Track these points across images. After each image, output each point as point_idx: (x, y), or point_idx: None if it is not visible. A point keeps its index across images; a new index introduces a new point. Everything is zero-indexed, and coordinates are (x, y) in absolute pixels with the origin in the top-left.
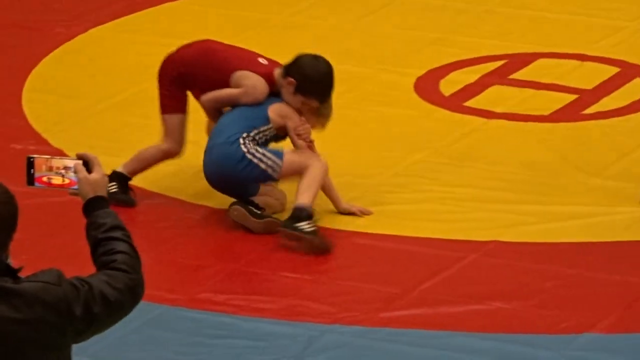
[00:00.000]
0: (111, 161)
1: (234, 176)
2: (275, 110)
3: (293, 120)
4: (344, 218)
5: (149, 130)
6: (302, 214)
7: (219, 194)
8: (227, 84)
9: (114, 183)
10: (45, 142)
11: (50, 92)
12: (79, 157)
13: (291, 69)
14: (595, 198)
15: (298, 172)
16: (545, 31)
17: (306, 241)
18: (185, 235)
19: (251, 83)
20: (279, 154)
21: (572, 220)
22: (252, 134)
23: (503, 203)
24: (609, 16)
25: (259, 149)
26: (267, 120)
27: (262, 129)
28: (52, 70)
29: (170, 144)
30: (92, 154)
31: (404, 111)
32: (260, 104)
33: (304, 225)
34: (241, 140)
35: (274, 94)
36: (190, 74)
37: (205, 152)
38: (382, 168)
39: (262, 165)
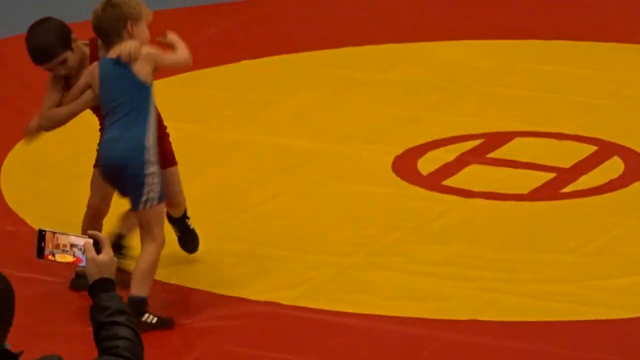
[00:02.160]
0: None
1: (123, 176)
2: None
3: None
4: (320, 296)
5: (126, 206)
6: (142, 308)
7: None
8: None
9: None
10: (22, 222)
11: (28, 171)
12: (90, 235)
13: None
14: (573, 276)
15: (144, 226)
16: (523, 110)
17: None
18: None
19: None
20: (161, 197)
21: (550, 298)
22: (153, 121)
23: (481, 281)
24: (586, 94)
25: (157, 173)
26: (146, 85)
27: (152, 99)
28: (30, 149)
29: (90, 199)
30: (103, 234)
31: (382, 189)
32: (121, 76)
33: (148, 318)
34: (148, 141)
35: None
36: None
37: (110, 141)
38: (359, 246)
39: (144, 189)
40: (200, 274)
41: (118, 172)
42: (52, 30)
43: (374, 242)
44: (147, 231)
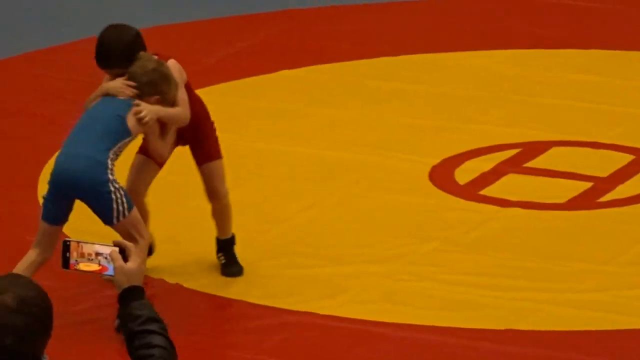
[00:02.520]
0: None
1: (85, 194)
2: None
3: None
4: (356, 306)
5: (160, 219)
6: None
7: None
8: None
9: None
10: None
11: None
12: (116, 244)
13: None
14: (610, 285)
15: (126, 236)
16: (560, 119)
17: None
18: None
19: None
20: (130, 205)
21: (587, 308)
22: (116, 153)
23: (518, 291)
24: (622, 104)
25: (120, 186)
26: (128, 132)
27: (123, 143)
28: None
29: None
30: (130, 242)
31: (419, 199)
32: (116, 111)
33: None
34: (109, 164)
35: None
36: None
37: (66, 155)
38: (396, 256)
39: (114, 205)
40: (236, 283)
41: (77, 188)
42: (122, 42)
43: (410, 252)
44: (132, 238)
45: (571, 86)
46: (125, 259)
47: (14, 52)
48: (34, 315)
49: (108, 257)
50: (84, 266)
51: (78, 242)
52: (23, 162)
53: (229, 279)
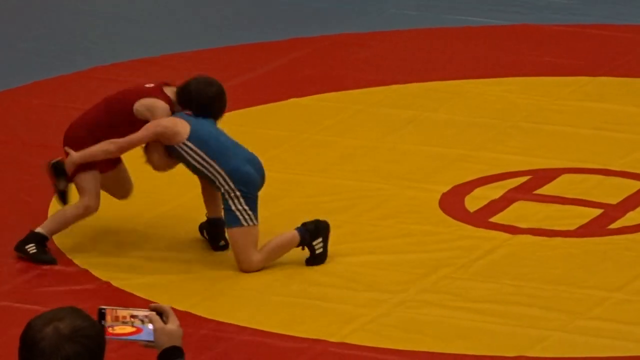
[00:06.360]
0: (135, 284)
1: None
2: None
3: None
4: (368, 334)
5: (179, 247)
6: None
7: None
8: (132, 123)
9: (32, 244)
10: (69, 262)
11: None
12: (153, 308)
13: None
14: (621, 313)
15: None
16: (570, 146)
17: None
18: None
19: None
20: None
21: (598, 335)
22: None
23: (528, 318)
24: (633, 131)
25: None
26: None
27: None
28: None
29: (88, 200)
30: (166, 305)
31: (429, 227)
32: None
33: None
34: None
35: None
36: (99, 130)
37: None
38: (408, 284)
39: None
40: (249, 311)
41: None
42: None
43: (422, 279)
44: None
45: (582, 114)
46: (164, 321)
47: (22, 82)
48: (84, 346)
49: (144, 319)
50: (119, 329)
51: (113, 308)
52: (34, 190)
53: (239, 305)
